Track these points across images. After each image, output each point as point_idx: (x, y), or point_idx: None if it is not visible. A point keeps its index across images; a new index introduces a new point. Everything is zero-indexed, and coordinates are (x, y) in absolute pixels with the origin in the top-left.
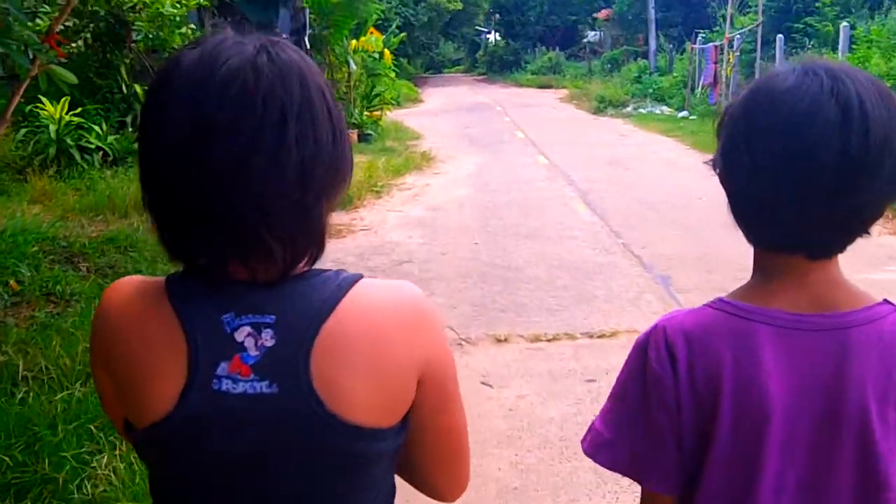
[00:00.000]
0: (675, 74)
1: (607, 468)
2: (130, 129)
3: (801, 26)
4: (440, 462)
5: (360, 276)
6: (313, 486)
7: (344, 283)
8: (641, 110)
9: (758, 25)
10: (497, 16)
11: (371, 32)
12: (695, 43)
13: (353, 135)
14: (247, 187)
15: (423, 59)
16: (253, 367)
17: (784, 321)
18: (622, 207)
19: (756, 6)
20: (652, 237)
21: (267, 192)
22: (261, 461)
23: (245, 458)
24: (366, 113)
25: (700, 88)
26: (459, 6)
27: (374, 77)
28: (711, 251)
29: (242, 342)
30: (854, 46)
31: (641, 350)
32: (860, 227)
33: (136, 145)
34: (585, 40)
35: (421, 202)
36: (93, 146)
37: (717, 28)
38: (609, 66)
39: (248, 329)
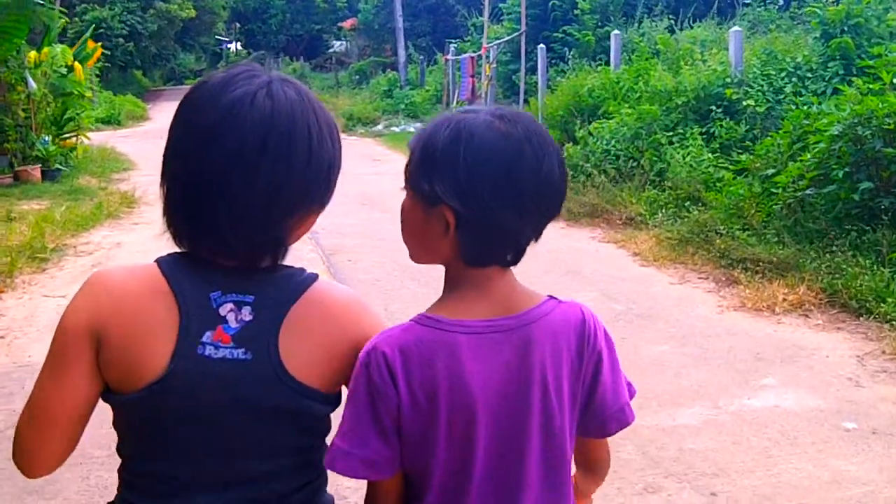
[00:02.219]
0: (427, 88)
1: (344, 475)
2: None
3: (560, 35)
4: None
5: (317, 276)
6: (261, 437)
7: (308, 279)
8: (394, 129)
9: (520, 34)
10: (237, 24)
11: (90, 45)
12: (447, 54)
13: (35, 171)
14: (224, 196)
15: (161, 70)
16: (233, 336)
17: (478, 328)
18: (383, 279)
19: (512, 14)
20: None
21: (238, 203)
22: (234, 414)
23: (221, 412)
24: (57, 142)
25: (456, 103)
26: (193, 13)
27: (64, 97)
28: None
29: (225, 316)
30: (634, 57)
31: (365, 367)
32: (538, 234)
33: None
34: (331, 50)
35: None
36: None
37: (469, 38)
38: (357, 77)
39: (231, 305)
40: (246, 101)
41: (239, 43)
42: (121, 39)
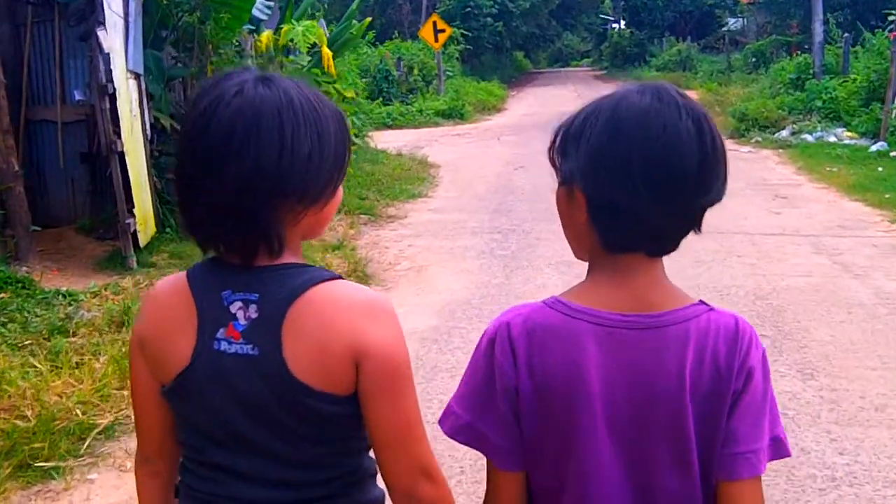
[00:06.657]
0: (854, 76)
1: (468, 446)
2: None
3: None
4: (382, 449)
5: (338, 277)
6: (281, 429)
7: (317, 277)
8: (807, 136)
9: None
10: (623, 2)
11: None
12: (886, 30)
13: None
14: (200, 189)
15: (545, 52)
16: (242, 333)
17: (609, 321)
18: None
19: None
20: None
21: (213, 196)
22: (245, 406)
23: (239, 405)
24: None
25: None
26: None
27: None
28: None
29: (235, 313)
30: None
31: (490, 341)
32: (697, 223)
33: None
34: (725, 29)
35: None
36: None
37: None
38: (754, 60)
39: (239, 303)
40: (218, 101)
41: (623, 21)
42: (489, 19)
